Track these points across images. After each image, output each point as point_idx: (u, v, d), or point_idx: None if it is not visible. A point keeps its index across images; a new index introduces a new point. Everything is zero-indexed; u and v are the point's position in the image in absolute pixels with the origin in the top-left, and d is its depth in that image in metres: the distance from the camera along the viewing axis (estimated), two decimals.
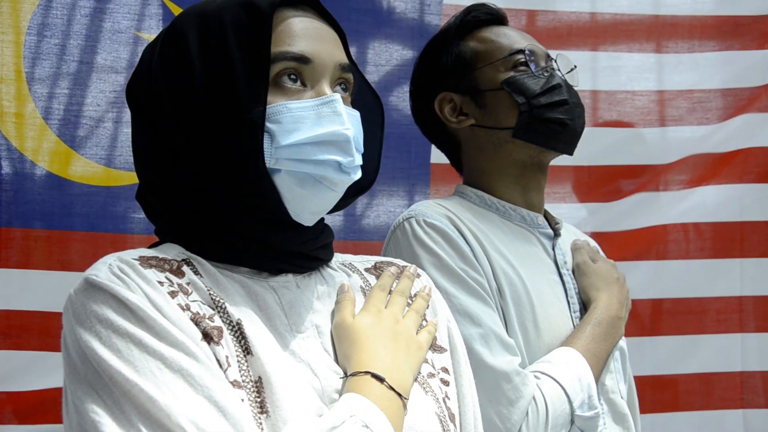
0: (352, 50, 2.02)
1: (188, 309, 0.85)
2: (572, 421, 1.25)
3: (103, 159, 1.85)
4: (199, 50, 0.91)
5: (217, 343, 0.84)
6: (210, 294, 0.88)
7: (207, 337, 0.84)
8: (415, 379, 0.94)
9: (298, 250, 0.95)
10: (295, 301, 0.94)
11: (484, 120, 1.42)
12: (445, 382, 0.99)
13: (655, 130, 2.20)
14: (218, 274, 0.91)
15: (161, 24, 1.88)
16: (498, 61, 1.41)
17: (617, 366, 1.41)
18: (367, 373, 0.88)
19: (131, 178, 1.82)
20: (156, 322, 0.82)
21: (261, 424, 0.83)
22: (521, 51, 1.40)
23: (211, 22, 0.92)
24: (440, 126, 1.48)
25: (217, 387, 0.80)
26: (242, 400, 0.82)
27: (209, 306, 0.87)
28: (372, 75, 2.02)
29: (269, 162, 0.89)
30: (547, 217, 1.47)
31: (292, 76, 0.91)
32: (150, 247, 0.95)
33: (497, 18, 1.48)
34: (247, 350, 0.86)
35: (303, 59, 0.91)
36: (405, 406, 0.89)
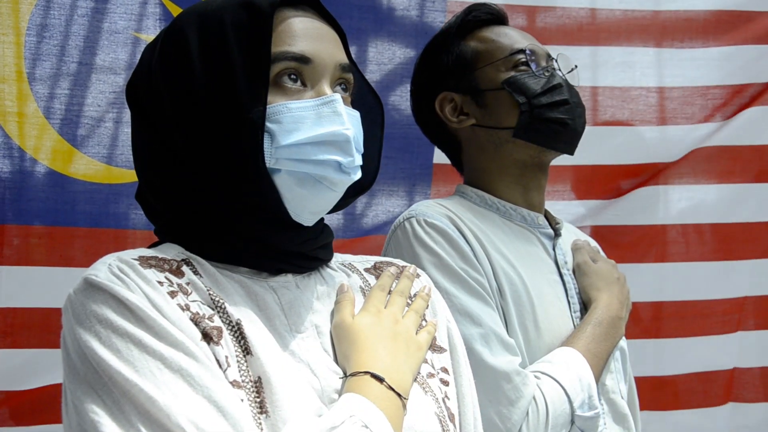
0: (354, 49, 2.03)
1: (188, 309, 0.85)
2: (572, 421, 1.25)
3: (104, 157, 1.85)
4: (200, 50, 0.91)
5: (217, 343, 0.84)
6: (209, 294, 0.88)
7: (206, 337, 0.84)
8: (415, 379, 0.94)
9: (297, 250, 0.95)
10: (295, 301, 0.94)
11: (485, 120, 1.42)
12: (445, 382, 0.99)
13: (655, 128, 2.19)
14: (218, 274, 0.91)
15: (159, 24, 1.87)
16: (499, 60, 1.41)
17: (618, 366, 1.41)
18: (366, 373, 0.88)
19: (132, 176, 1.82)
20: (156, 322, 0.82)
21: (260, 424, 0.83)
22: (522, 51, 1.40)
23: (212, 21, 0.92)
24: (441, 126, 1.48)
25: (217, 387, 0.80)
26: (242, 400, 0.83)
27: (209, 306, 0.87)
28: (374, 74, 2.01)
29: (269, 162, 0.89)
30: (548, 216, 1.47)
31: (293, 76, 0.91)
32: (149, 247, 0.95)
33: (498, 18, 1.48)
34: (246, 350, 0.86)
35: (303, 59, 0.91)
36: (404, 406, 0.89)
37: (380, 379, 0.88)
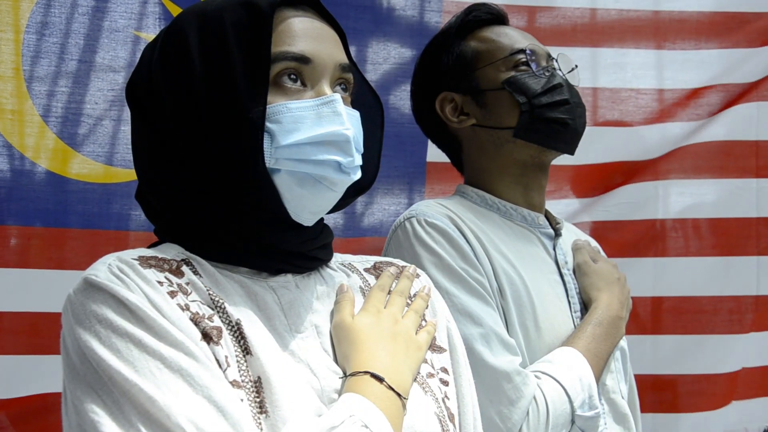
0: (351, 49, 2.03)
1: (188, 309, 0.85)
2: (573, 421, 1.25)
3: (101, 157, 1.84)
4: (200, 50, 0.91)
5: (217, 343, 0.84)
6: (209, 294, 0.88)
7: (206, 337, 0.84)
8: (415, 379, 0.94)
9: (297, 250, 0.95)
10: (295, 301, 0.94)
11: (485, 120, 1.42)
12: (445, 382, 0.99)
13: (653, 127, 2.20)
14: (218, 274, 0.91)
15: (159, 23, 1.87)
16: (499, 60, 1.41)
17: (618, 366, 1.41)
18: (366, 373, 0.88)
19: (131, 175, 1.81)
20: (155, 322, 0.82)
21: (260, 424, 0.83)
22: (522, 51, 1.40)
23: (212, 21, 0.92)
24: (441, 126, 1.48)
25: (217, 387, 0.80)
26: (241, 400, 0.83)
27: (208, 306, 0.87)
28: (370, 74, 2.01)
29: (269, 162, 0.89)
30: (548, 216, 1.47)
31: (292, 76, 0.91)
32: (149, 246, 0.95)
33: (498, 18, 1.48)
34: (246, 350, 0.86)
35: (303, 59, 0.91)
36: (404, 406, 0.89)
37: (380, 379, 0.88)
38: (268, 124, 0.88)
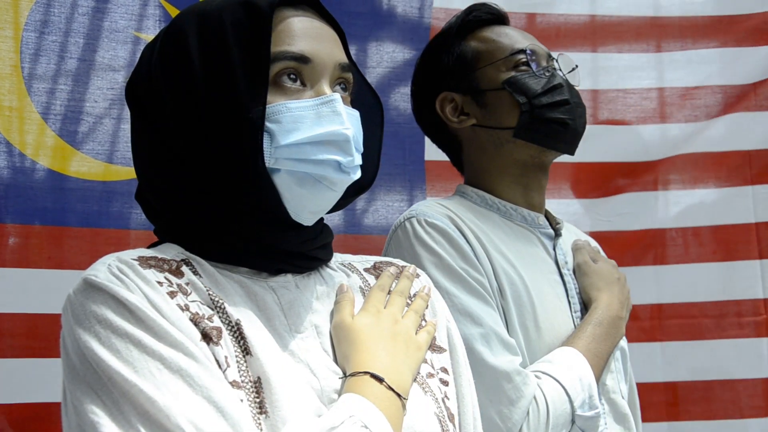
0: (352, 49, 2.03)
1: (187, 309, 0.85)
2: (573, 421, 1.25)
3: (101, 155, 1.84)
4: (199, 50, 0.91)
5: (216, 344, 0.84)
6: (209, 294, 0.88)
7: (206, 337, 0.84)
8: (415, 380, 0.94)
9: (297, 250, 0.95)
10: (295, 301, 0.94)
11: (486, 120, 1.42)
12: (445, 383, 0.99)
13: (654, 129, 2.20)
14: (217, 275, 0.91)
15: (159, 25, 1.87)
16: (499, 60, 1.41)
17: (618, 366, 1.41)
18: (366, 373, 0.88)
19: (130, 173, 1.80)
20: (155, 323, 0.81)
21: (260, 424, 0.83)
22: (522, 51, 1.40)
23: (211, 21, 0.92)
24: (441, 126, 1.48)
25: (217, 387, 0.80)
26: (241, 400, 0.82)
27: (208, 306, 0.87)
28: (367, 77, 2.03)
29: (269, 162, 0.89)
30: (548, 216, 1.47)
31: (292, 76, 0.91)
32: (149, 247, 0.95)
33: (498, 18, 1.48)
34: (246, 350, 0.86)
35: (302, 59, 0.91)
36: (404, 406, 0.89)
37: (380, 380, 0.88)
38: (267, 123, 0.88)
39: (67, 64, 1.81)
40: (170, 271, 0.88)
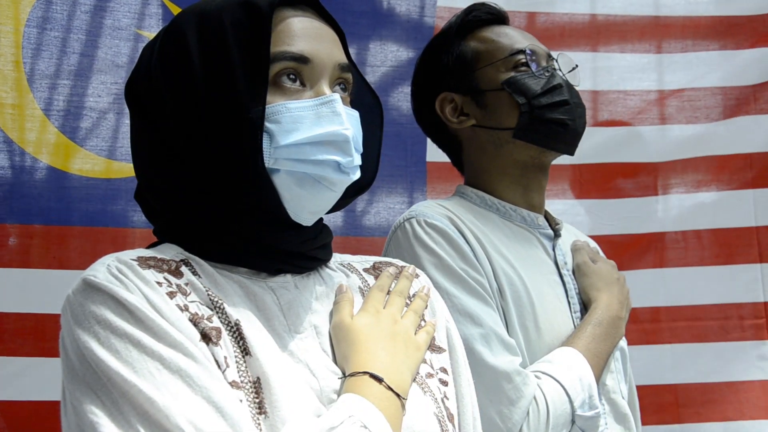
0: (352, 49, 2.02)
1: (187, 309, 0.85)
2: (573, 421, 1.25)
3: (104, 151, 1.83)
4: (199, 50, 0.91)
5: (216, 344, 0.84)
6: (208, 294, 0.88)
7: (205, 337, 0.84)
8: (414, 380, 0.94)
9: (296, 250, 0.95)
10: (294, 301, 0.94)
11: (485, 120, 1.42)
12: (444, 383, 0.99)
13: (654, 129, 2.20)
14: (217, 275, 0.91)
15: (161, 23, 1.87)
16: (499, 61, 1.40)
17: (618, 366, 1.41)
18: (365, 373, 0.88)
19: (132, 170, 1.80)
20: (154, 323, 0.82)
21: (259, 424, 0.83)
22: (522, 51, 1.40)
23: (211, 21, 0.92)
24: (441, 126, 1.48)
25: (216, 387, 0.80)
26: (241, 400, 0.82)
27: (208, 306, 0.87)
28: (367, 76, 2.02)
29: (268, 162, 0.89)
30: (548, 217, 1.47)
31: (292, 76, 0.91)
32: (148, 247, 0.95)
33: (498, 17, 1.48)
34: (245, 351, 0.86)
35: (302, 59, 0.91)
36: (403, 406, 0.89)
37: (379, 380, 0.88)
38: (267, 123, 0.88)
39: (69, 60, 1.81)
40: (169, 272, 0.88)
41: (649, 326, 2.15)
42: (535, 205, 1.44)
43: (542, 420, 1.22)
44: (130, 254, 0.89)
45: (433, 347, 1.00)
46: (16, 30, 1.77)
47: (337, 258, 1.05)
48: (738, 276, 2.17)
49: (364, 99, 1.03)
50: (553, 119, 1.37)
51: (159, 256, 0.90)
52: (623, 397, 1.39)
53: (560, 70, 1.42)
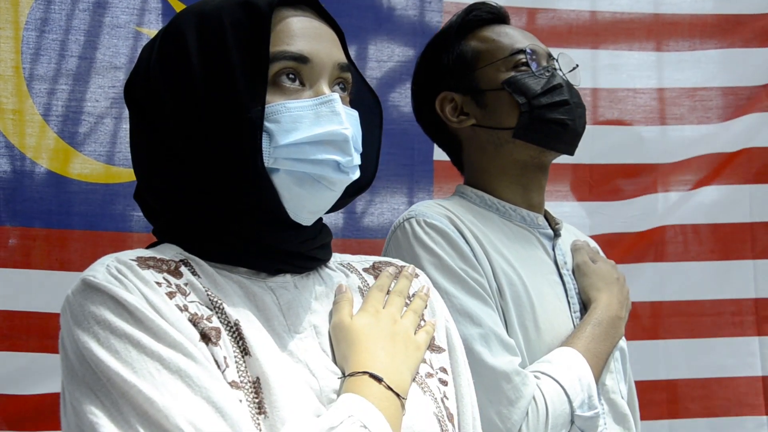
0: (355, 47, 2.02)
1: (186, 310, 0.85)
2: (572, 421, 1.25)
3: (103, 156, 1.84)
4: (198, 50, 0.91)
5: (215, 344, 0.84)
6: (208, 295, 0.88)
7: (205, 337, 0.84)
8: (414, 380, 0.94)
9: (296, 250, 0.95)
10: (293, 301, 0.94)
11: (485, 120, 1.42)
12: (444, 382, 0.99)
13: (655, 129, 2.19)
14: (216, 275, 0.91)
15: (161, 19, 1.87)
16: (499, 60, 1.40)
17: (617, 366, 1.41)
18: (365, 373, 0.88)
19: (131, 176, 1.81)
20: (154, 323, 0.82)
21: (259, 424, 0.83)
22: (522, 51, 1.40)
23: (210, 21, 0.92)
24: (441, 126, 1.48)
25: (216, 388, 0.80)
26: (240, 400, 0.82)
27: (207, 307, 0.87)
28: (374, 71, 2.01)
29: (268, 162, 0.89)
30: (548, 217, 1.47)
31: (291, 76, 0.91)
32: (148, 247, 0.95)
33: (499, 17, 1.48)
34: (245, 351, 0.86)
35: (302, 59, 0.91)
36: (403, 406, 0.89)
37: (379, 379, 0.88)
38: (266, 123, 0.88)
39: (68, 63, 1.81)
40: (169, 272, 0.88)
41: (647, 321, 2.16)
42: (535, 204, 1.44)
43: (541, 420, 1.22)
44: (129, 254, 0.89)
45: (432, 347, 1.00)
46: (15, 34, 1.78)
47: (336, 258, 1.05)
48: (732, 272, 2.17)
49: (364, 99, 1.03)
50: (553, 119, 1.37)
51: (158, 257, 0.90)
52: (623, 397, 1.39)
53: (560, 69, 1.42)
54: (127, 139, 1.80)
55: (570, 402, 1.25)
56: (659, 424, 2.13)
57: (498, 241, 1.36)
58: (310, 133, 0.89)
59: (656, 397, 2.13)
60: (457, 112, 1.44)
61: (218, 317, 0.87)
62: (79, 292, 0.84)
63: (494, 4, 1.48)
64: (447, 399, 0.98)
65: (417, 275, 1.06)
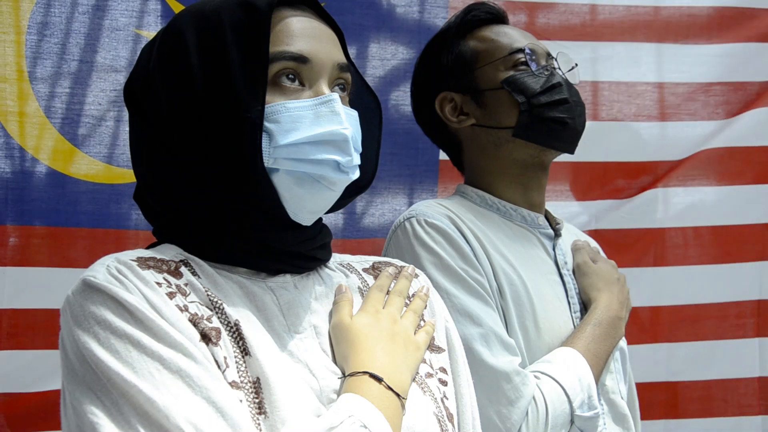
0: (357, 45, 2.01)
1: (186, 310, 0.85)
2: (572, 421, 1.25)
3: (105, 156, 1.85)
4: (198, 50, 0.91)
5: (215, 344, 0.84)
6: (208, 295, 0.88)
7: (205, 338, 0.84)
8: (413, 380, 0.94)
9: (296, 250, 0.95)
10: (293, 301, 0.94)
11: (485, 119, 1.42)
12: (443, 382, 0.99)
13: (655, 125, 2.18)
14: (216, 275, 0.91)
15: (160, 21, 1.87)
16: (498, 60, 1.40)
17: (617, 366, 1.41)
18: (365, 373, 0.88)
19: (131, 176, 1.82)
20: (154, 323, 0.82)
21: (259, 424, 0.83)
22: (521, 50, 1.40)
23: (210, 21, 0.92)
24: (441, 125, 1.48)
25: (216, 388, 0.80)
26: (240, 400, 0.83)
27: (207, 307, 0.88)
28: (376, 70, 2.01)
29: (267, 162, 0.89)
30: (548, 217, 1.47)
31: (291, 76, 0.91)
32: (148, 247, 0.96)
33: (498, 17, 1.48)
34: (245, 351, 0.86)
35: (301, 59, 0.91)
36: (403, 406, 0.89)
37: (379, 379, 0.88)
38: (266, 123, 0.88)
39: (69, 65, 1.82)
40: (169, 272, 0.88)
41: (648, 323, 2.15)
42: (536, 204, 1.44)
43: (541, 420, 1.22)
44: (129, 255, 0.89)
45: (432, 347, 1.00)
46: (17, 38, 1.79)
47: (336, 258, 1.06)
48: (736, 273, 2.17)
49: (363, 99, 1.03)
50: (552, 118, 1.37)
51: (158, 257, 0.90)
52: (622, 398, 1.39)
53: (560, 68, 1.42)
54: (127, 141, 1.81)
55: (570, 402, 1.24)
56: (653, 424, 2.13)
57: (498, 241, 1.36)
58: (310, 133, 0.89)
59: (655, 399, 2.13)
60: (457, 111, 1.44)
61: (218, 317, 0.87)
62: (79, 292, 0.84)
63: (493, 4, 1.48)
64: (447, 399, 0.98)
65: (417, 275, 1.06)
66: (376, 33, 2.03)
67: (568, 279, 1.41)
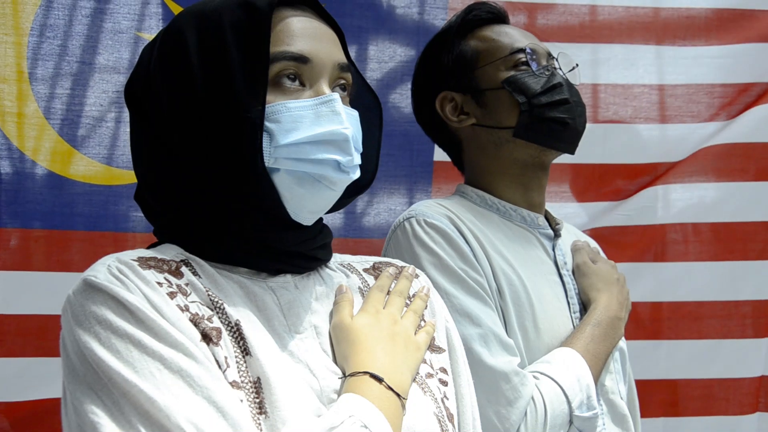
0: (355, 47, 2.01)
1: (187, 310, 0.85)
2: (571, 422, 1.25)
3: (104, 157, 1.85)
4: (198, 50, 0.91)
5: (216, 344, 0.84)
6: (209, 295, 0.88)
7: (206, 337, 0.84)
8: (414, 380, 0.94)
9: (296, 250, 0.95)
10: (294, 301, 0.94)
11: (485, 119, 1.42)
12: (444, 383, 0.99)
13: (655, 126, 2.19)
14: (217, 275, 0.91)
15: (161, 24, 1.88)
16: (499, 60, 1.40)
17: (617, 367, 1.41)
18: (365, 373, 0.88)
19: (132, 177, 1.82)
20: (155, 323, 0.82)
21: (260, 424, 0.83)
22: (522, 50, 1.40)
23: (210, 21, 0.92)
24: (441, 125, 1.48)
25: (217, 388, 0.80)
26: (241, 400, 0.83)
27: (208, 307, 0.88)
28: (375, 72, 2.01)
29: (268, 161, 0.89)
30: (548, 217, 1.47)
31: (291, 76, 0.91)
32: (149, 247, 0.96)
33: (498, 17, 1.48)
34: (245, 351, 0.86)
35: (302, 59, 0.91)
36: (403, 406, 0.89)
37: (379, 380, 0.88)
38: (267, 123, 0.88)
39: (70, 66, 1.82)
40: (170, 272, 0.88)
41: (647, 321, 2.15)
42: (536, 204, 1.44)
43: (540, 420, 1.22)
44: (130, 254, 0.89)
45: (432, 347, 1.00)
46: (17, 39, 1.79)
47: (337, 258, 1.06)
48: (740, 272, 2.17)
49: (364, 99, 1.03)
50: (553, 118, 1.37)
51: (159, 257, 0.90)
52: (622, 398, 1.38)
53: (560, 69, 1.42)
54: (128, 142, 1.81)
55: (569, 402, 1.24)
56: (653, 422, 2.13)
57: (498, 241, 1.36)
58: (311, 132, 0.89)
59: (654, 397, 2.13)
60: (457, 111, 1.44)
61: (219, 317, 0.87)
62: (80, 292, 0.84)
63: (494, 4, 1.49)
64: (447, 399, 0.98)
65: (417, 275, 1.07)
66: (375, 34, 2.03)
67: (568, 279, 1.41)
